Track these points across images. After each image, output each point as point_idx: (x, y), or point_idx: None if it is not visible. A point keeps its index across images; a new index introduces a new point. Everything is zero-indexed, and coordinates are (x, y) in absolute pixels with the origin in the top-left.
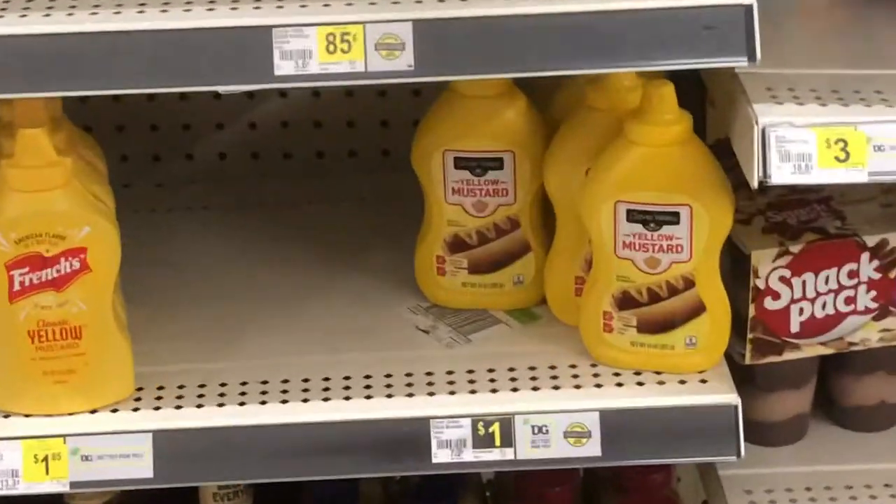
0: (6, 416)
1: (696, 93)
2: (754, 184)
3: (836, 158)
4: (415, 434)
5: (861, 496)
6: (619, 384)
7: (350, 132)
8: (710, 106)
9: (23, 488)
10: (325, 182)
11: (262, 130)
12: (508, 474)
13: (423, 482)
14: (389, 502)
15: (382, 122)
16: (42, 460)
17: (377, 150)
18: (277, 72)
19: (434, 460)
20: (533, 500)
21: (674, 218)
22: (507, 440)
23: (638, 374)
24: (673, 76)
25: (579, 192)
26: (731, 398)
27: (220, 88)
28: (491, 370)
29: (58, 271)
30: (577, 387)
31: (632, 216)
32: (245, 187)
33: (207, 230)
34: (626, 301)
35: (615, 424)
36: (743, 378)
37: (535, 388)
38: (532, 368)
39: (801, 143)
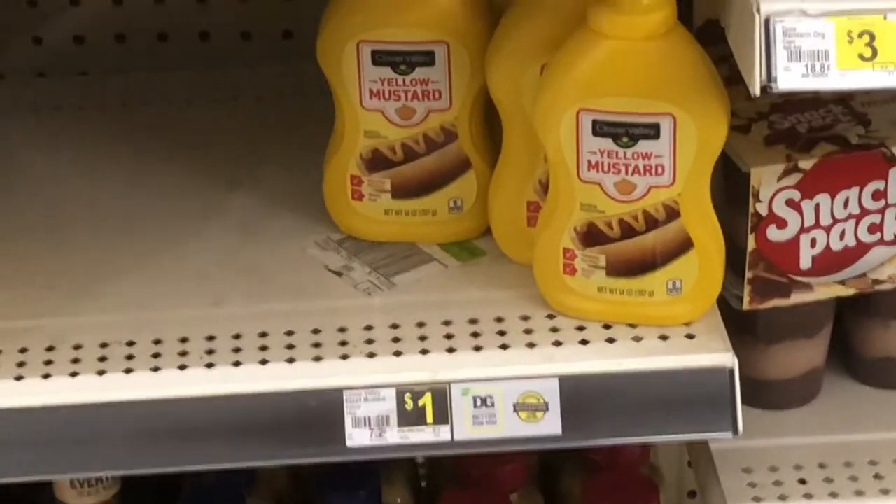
0: None
1: None
2: (755, 90)
3: (861, 56)
4: (324, 410)
5: (889, 473)
6: (584, 342)
7: (242, 7)
8: None
9: None
10: (210, 74)
11: (130, 6)
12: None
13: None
14: (295, 489)
15: None
16: None
17: (276, 32)
18: None
19: (349, 443)
20: (477, 482)
21: (652, 130)
22: (442, 416)
23: (608, 327)
24: None
25: (532, 95)
26: (726, 358)
27: None
28: (421, 324)
29: None
30: (531, 345)
31: (599, 128)
32: (106, 80)
33: (57, 136)
34: (592, 235)
35: (579, 394)
36: (741, 327)
37: (476, 348)
38: (473, 321)
39: (815, 38)
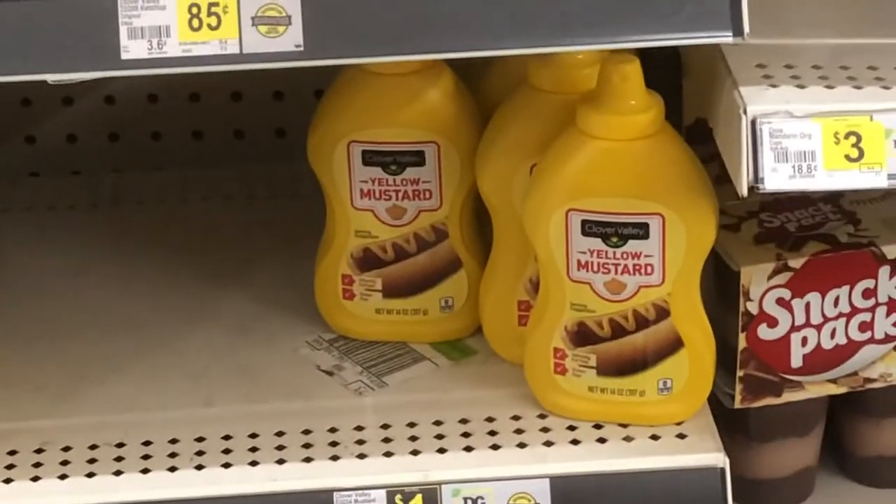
0: None
1: (669, 62)
2: (743, 191)
3: (847, 157)
4: None
5: None
6: (575, 441)
7: (235, 106)
8: (686, 77)
9: None
10: (202, 172)
11: (122, 105)
12: None
13: None
14: None
15: (276, 93)
16: None
17: (269, 130)
18: (125, 55)
19: None
20: None
21: (642, 230)
22: None
23: (598, 427)
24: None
25: (522, 195)
26: (717, 458)
27: (50, 78)
28: (411, 424)
29: None
30: (522, 445)
31: (588, 229)
32: (100, 179)
33: (49, 236)
34: (582, 335)
35: (570, 494)
36: (732, 426)
37: (467, 449)
38: (464, 421)
39: (802, 139)
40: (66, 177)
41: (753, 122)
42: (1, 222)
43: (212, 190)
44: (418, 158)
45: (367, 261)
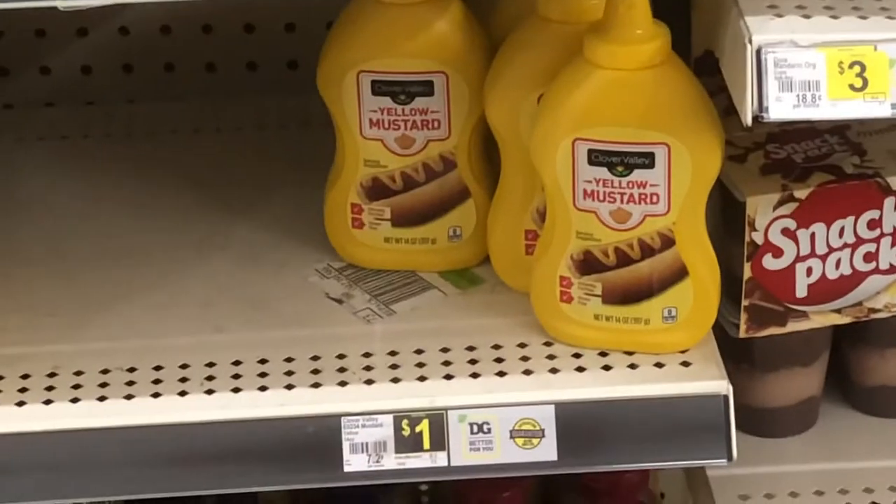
0: None
1: None
2: (747, 120)
3: (851, 87)
4: (322, 436)
5: (884, 500)
6: (580, 368)
7: (247, 39)
8: (695, 9)
9: None
10: (214, 103)
11: (136, 36)
12: None
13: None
14: None
15: (288, 25)
16: None
17: (281, 62)
18: None
19: (346, 468)
20: None
21: (647, 160)
22: (439, 442)
23: (604, 355)
24: None
25: (529, 125)
26: (720, 386)
27: (61, 4)
28: (419, 351)
29: None
30: (528, 372)
31: (595, 158)
32: (114, 109)
33: (63, 166)
34: (588, 264)
35: (575, 421)
36: (737, 355)
37: (473, 375)
38: (471, 349)
39: (806, 68)
40: (80, 107)
41: (758, 52)
42: (16, 151)
43: (224, 121)
44: (427, 88)
45: (376, 190)
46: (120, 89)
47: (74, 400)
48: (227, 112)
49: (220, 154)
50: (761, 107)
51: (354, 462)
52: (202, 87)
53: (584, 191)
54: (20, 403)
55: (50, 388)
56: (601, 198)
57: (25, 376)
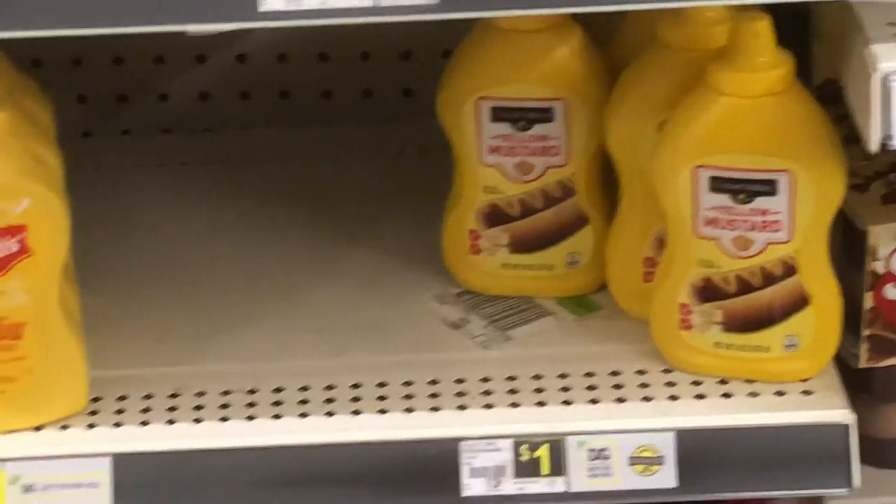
0: None
1: (797, 24)
2: (874, 146)
3: None
4: (441, 459)
5: None
6: (700, 396)
7: (363, 66)
8: (816, 38)
9: None
10: (331, 130)
11: (254, 64)
12: None
13: None
14: None
15: (404, 53)
16: None
17: (397, 90)
18: (262, 7)
19: (464, 493)
20: None
21: (770, 187)
22: (558, 467)
23: (724, 382)
24: (769, 4)
25: (650, 152)
26: (843, 415)
27: (190, 29)
28: (537, 377)
29: None
30: (647, 399)
31: (717, 185)
32: (231, 136)
33: (183, 191)
34: (709, 291)
35: (695, 448)
36: (857, 385)
37: (593, 402)
38: (589, 375)
39: None
40: (197, 133)
41: (885, 79)
42: (134, 177)
43: (340, 147)
44: (547, 115)
45: (495, 216)
46: (237, 116)
47: (197, 420)
48: (343, 139)
49: (337, 180)
50: (887, 134)
51: (473, 486)
52: (318, 114)
53: (706, 218)
54: (144, 423)
55: (172, 409)
56: (723, 225)
57: (148, 396)
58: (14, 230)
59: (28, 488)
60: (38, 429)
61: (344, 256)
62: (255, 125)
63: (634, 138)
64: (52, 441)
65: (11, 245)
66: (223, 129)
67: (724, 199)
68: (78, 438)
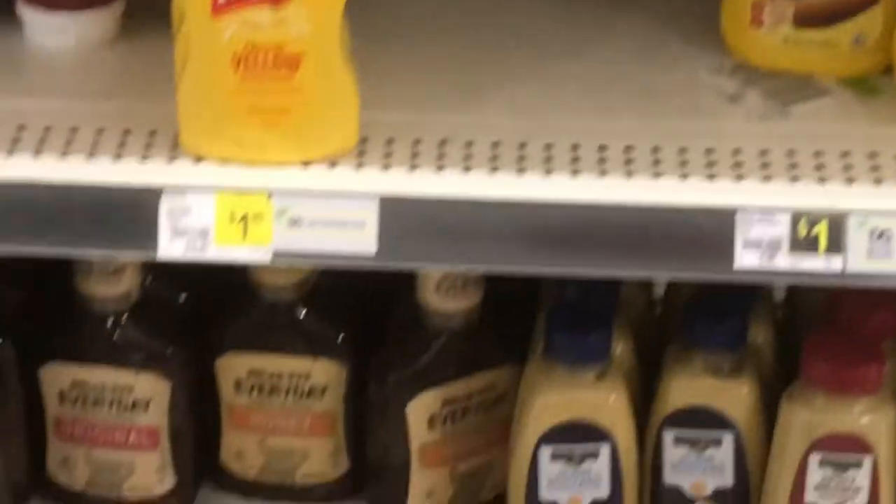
0: (197, 161)
1: None
2: None
3: None
4: (715, 229)
5: None
6: None
7: None
8: None
9: (213, 253)
10: None
11: None
12: (807, 295)
13: (699, 294)
14: (651, 315)
15: None
16: (240, 220)
17: None
18: None
19: (736, 265)
20: (848, 325)
21: None
22: (836, 245)
23: None
24: None
25: None
26: None
27: None
28: (818, 153)
29: None
30: None
31: None
32: None
33: None
34: None
35: None
36: None
37: (876, 182)
38: (873, 155)
39: None
40: None
41: None
42: None
43: None
44: None
45: None
46: None
47: (466, 169)
48: None
49: None
50: None
51: (746, 258)
52: None
53: None
54: (413, 168)
55: (441, 156)
56: None
57: (417, 142)
58: None
59: (294, 222)
60: (306, 164)
61: (615, 21)
62: None
63: None
64: (321, 177)
65: None
66: None
67: None
68: (346, 177)
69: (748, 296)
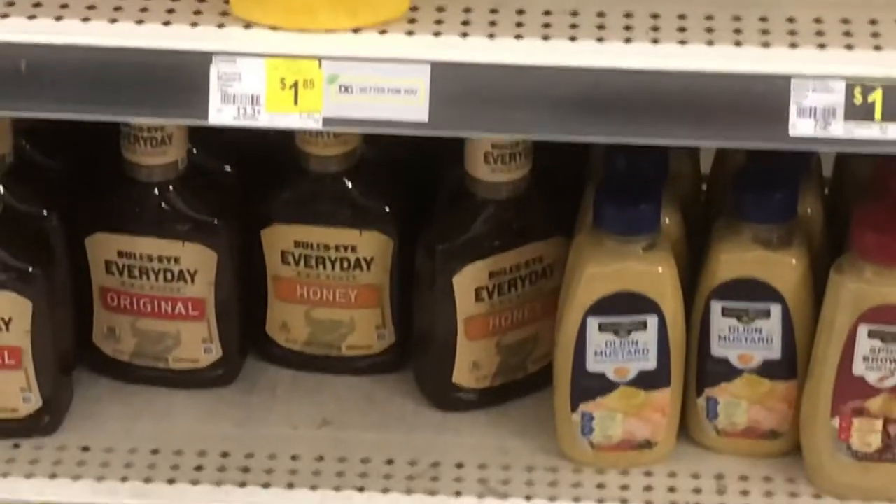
0: (247, 27)
1: None
2: None
3: None
4: (769, 96)
5: None
6: None
7: None
8: None
9: (265, 120)
10: None
11: None
12: (852, 170)
13: (747, 167)
14: (697, 190)
15: None
16: (290, 86)
17: None
18: None
19: (791, 132)
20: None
21: None
22: (892, 114)
23: None
24: None
25: None
26: None
27: None
28: (873, 21)
29: None
30: None
31: None
32: None
33: None
34: None
35: None
36: None
37: None
38: None
39: None
40: None
41: None
42: None
43: None
44: None
45: None
46: None
47: (518, 37)
48: None
49: None
50: None
51: (801, 126)
52: None
53: None
54: (464, 35)
55: (493, 24)
56: None
57: (467, 10)
58: None
59: (345, 89)
60: (356, 31)
61: None
62: None
63: None
64: (372, 43)
65: None
66: None
67: None
68: (398, 44)
69: (797, 168)
